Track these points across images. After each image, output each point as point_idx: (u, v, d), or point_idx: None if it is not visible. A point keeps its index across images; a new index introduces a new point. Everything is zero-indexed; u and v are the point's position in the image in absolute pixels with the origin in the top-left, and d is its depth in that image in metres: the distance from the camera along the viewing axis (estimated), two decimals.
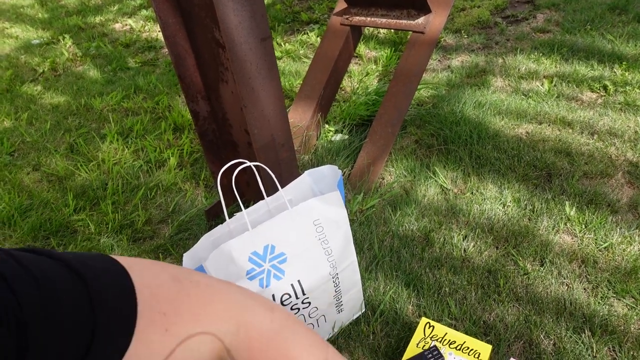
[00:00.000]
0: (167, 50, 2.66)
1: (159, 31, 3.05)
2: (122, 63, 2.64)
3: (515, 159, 1.45)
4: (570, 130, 1.55)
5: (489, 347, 0.91)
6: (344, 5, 1.73)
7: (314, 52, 2.36)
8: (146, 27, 3.13)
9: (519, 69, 1.96)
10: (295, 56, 2.49)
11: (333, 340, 1.02)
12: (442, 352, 0.91)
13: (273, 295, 0.89)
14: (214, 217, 1.36)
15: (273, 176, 0.90)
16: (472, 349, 0.91)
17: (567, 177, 1.36)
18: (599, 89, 1.73)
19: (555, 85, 1.80)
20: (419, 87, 1.93)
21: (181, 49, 1.17)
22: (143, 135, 1.90)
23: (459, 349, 0.91)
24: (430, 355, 0.90)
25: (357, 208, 1.35)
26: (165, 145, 1.82)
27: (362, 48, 2.39)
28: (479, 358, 0.89)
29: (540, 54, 2.03)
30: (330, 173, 0.98)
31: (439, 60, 2.23)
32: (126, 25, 3.25)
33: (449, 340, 0.93)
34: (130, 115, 2.08)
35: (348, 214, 1.27)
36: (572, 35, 2.13)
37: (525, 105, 1.71)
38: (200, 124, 1.28)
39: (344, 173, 1.51)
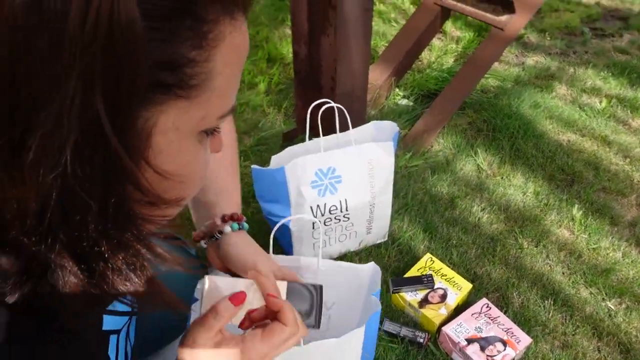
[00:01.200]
0: None
1: None
2: None
3: (549, 160, 1.67)
4: (607, 149, 1.74)
5: (470, 285, 1.21)
6: None
7: (404, 19, 2.56)
8: None
9: (584, 82, 2.11)
10: (386, 18, 2.69)
11: (357, 252, 1.34)
12: (434, 279, 1.21)
13: (325, 204, 1.21)
14: (288, 140, 1.68)
15: (348, 118, 1.19)
16: (457, 283, 1.21)
17: (587, 187, 1.58)
18: None
19: (611, 106, 1.96)
20: (487, 76, 2.12)
21: (299, 0, 1.44)
22: None
23: (447, 280, 1.21)
24: (424, 279, 1.20)
25: (404, 164, 1.63)
26: (258, 71, 2.13)
27: (449, 25, 2.56)
28: (460, 290, 1.19)
29: (610, 73, 2.16)
30: (389, 127, 1.26)
31: (515, 55, 2.39)
32: None
33: (442, 273, 1.23)
34: None
35: (395, 164, 1.56)
36: None
37: (577, 117, 1.89)
38: (298, 63, 1.57)
39: (401, 133, 1.78)
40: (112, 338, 0.51)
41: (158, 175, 0.33)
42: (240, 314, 0.57)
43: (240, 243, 0.71)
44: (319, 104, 1.19)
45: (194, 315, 0.69)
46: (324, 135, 1.23)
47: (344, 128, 1.23)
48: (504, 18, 1.76)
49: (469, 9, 1.85)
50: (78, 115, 0.27)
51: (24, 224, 0.30)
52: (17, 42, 0.24)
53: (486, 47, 1.79)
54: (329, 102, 1.17)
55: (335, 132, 1.23)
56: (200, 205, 0.75)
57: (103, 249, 0.33)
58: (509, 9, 1.75)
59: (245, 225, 0.73)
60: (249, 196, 1.42)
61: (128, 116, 0.29)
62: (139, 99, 0.29)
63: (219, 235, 0.71)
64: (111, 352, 0.50)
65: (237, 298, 0.53)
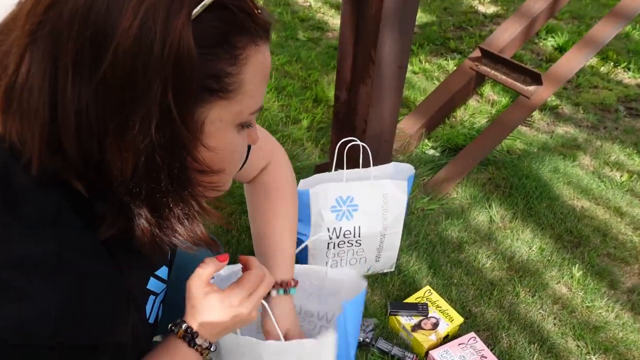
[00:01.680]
0: (330, 34, 3.22)
1: (330, 15, 3.61)
2: (294, 33, 3.25)
3: (559, 222, 1.78)
4: (619, 219, 1.83)
5: (462, 319, 1.33)
6: (479, 54, 2.13)
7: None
8: (322, 9, 3.71)
9: (609, 156, 2.21)
10: (429, 76, 2.91)
11: (365, 277, 1.49)
12: (429, 309, 1.34)
13: (341, 227, 1.38)
14: (320, 171, 1.88)
15: (370, 156, 1.38)
16: (450, 315, 1.33)
17: (592, 250, 1.67)
18: None
19: (632, 181, 2.05)
20: (515, 138, 2.27)
21: (346, 54, 1.67)
22: (291, 96, 2.47)
23: (441, 312, 1.34)
24: (420, 307, 1.34)
25: (421, 206, 1.79)
26: (304, 109, 2.38)
27: (487, 89, 2.74)
28: (452, 322, 1.32)
29: (636, 151, 2.25)
30: (407, 169, 1.44)
31: (547, 124, 2.53)
32: (307, 2, 3.87)
33: (437, 305, 1.36)
34: (287, 77, 2.67)
35: (408, 203, 1.71)
36: None
37: (594, 186, 2.00)
38: (338, 106, 1.79)
39: (424, 180, 1.95)
40: (151, 298, 0.68)
41: (208, 151, 0.49)
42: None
43: (280, 307, 0.85)
44: (347, 140, 1.39)
45: None
46: (348, 168, 1.42)
47: (366, 165, 1.42)
48: (531, 88, 1.93)
49: (500, 76, 2.03)
50: (158, 107, 0.42)
51: (122, 179, 0.46)
52: (126, 62, 0.42)
53: (512, 112, 1.95)
54: (355, 140, 1.37)
55: (359, 167, 1.42)
56: (262, 254, 0.89)
57: (169, 200, 0.50)
58: (537, 80, 1.91)
59: (293, 290, 0.87)
60: None
61: (188, 109, 0.45)
62: (195, 99, 0.45)
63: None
64: (147, 309, 0.67)
65: (222, 256, 0.67)
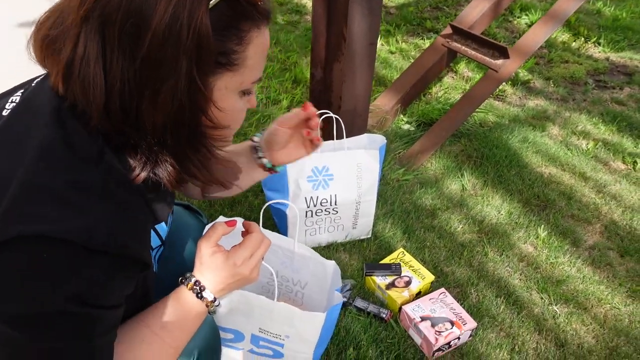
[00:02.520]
0: (308, 17, 3.26)
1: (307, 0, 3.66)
2: (273, 17, 3.29)
3: (527, 187, 1.88)
4: (583, 183, 1.94)
5: (433, 277, 1.42)
6: (450, 31, 2.20)
7: None
8: None
9: (576, 126, 2.32)
10: (406, 55, 2.99)
11: (343, 244, 1.58)
12: (402, 269, 1.44)
13: (318, 196, 1.46)
14: None
15: (343, 128, 1.46)
16: (421, 274, 1.43)
17: (557, 213, 1.78)
18: (630, 163, 2.07)
19: (597, 148, 2.16)
20: (487, 111, 2.36)
21: (319, 32, 1.74)
22: (271, 78, 2.53)
23: (414, 271, 1.43)
24: (393, 267, 1.43)
25: (396, 177, 1.87)
26: (284, 90, 2.44)
27: (462, 66, 2.83)
28: (424, 280, 1.41)
29: (602, 120, 2.36)
30: (379, 140, 1.52)
31: (519, 97, 2.62)
32: None
33: (410, 265, 1.45)
34: (267, 60, 2.72)
35: (383, 174, 1.80)
36: None
37: (561, 154, 2.10)
38: (313, 83, 1.86)
39: (399, 153, 2.03)
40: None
41: (218, 111, 0.61)
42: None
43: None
44: (321, 113, 1.46)
45: None
46: (323, 140, 1.49)
47: (340, 137, 1.50)
48: (499, 62, 2.02)
49: (470, 52, 2.11)
50: (185, 77, 0.54)
51: (153, 133, 0.57)
52: (160, 44, 0.52)
53: (481, 85, 2.04)
54: (329, 113, 1.44)
55: (333, 139, 1.50)
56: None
57: (188, 150, 0.61)
58: (504, 54, 2.00)
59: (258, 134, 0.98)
60: (258, 190, 1.69)
61: (206, 78, 0.57)
62: (209, 70, 0.57)
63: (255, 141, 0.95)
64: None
65: (231, 222, 0.78)
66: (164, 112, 0.55)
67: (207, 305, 0.72)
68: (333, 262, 1.11)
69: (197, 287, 0.72)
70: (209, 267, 0.73)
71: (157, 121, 0.56)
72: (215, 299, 0.73)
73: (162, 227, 0.78)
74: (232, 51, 0.58)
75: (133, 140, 0.59)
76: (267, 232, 1.08)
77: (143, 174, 0.60)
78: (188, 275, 0.74)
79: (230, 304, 0.99)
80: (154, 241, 0.76)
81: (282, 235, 1.17)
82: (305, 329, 0.99)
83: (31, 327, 0.53)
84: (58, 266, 0.51)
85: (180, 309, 0.71)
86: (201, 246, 0.74)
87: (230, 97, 0.62)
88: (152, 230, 0.75)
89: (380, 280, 1.41)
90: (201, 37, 0.52)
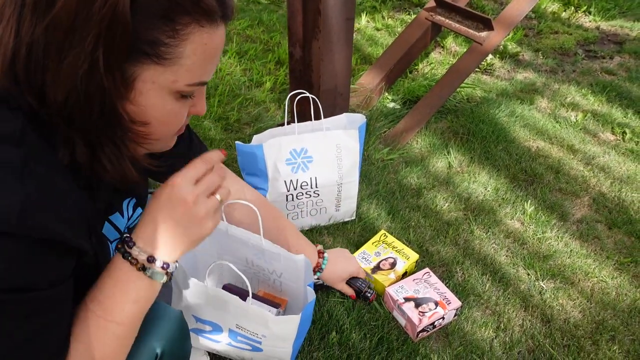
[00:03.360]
0: None
1: None
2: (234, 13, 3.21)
3: (514, 162, 1.85)
4: (572, 156, 1.91)
5: (417, 255, 1.40)
6: (434, 4, 2.14)
7: None
8: None
9: (565, 97, 2.27)
10: (392, 32, 2.92)
11: (327, 227, 1.55)
12: (385, 251, 1.41)
13: (298, 180, 1.43)
14: None
15: (320, 108, 1.41)
16: (405, 254, 1.40)
17: (544, 187, 1.75)
18: (619, 134, 2.03)
19: (586, 119, 2.12)
20: (474, 86, 2.31)
21: (295, 9, 1.68)
22: (253, 60, 2.47)
23: (397, 252, 1.41)
24: (363, 285, 1.35)
25: (380, 157, 1.84)
26: (267, 71, 2.38)
27: (449, 41, 2.77)
28: (408, 260, 1.39)
29: (591, 91, 2.31)
30: (359, 119, 1.48)
31: (507, 71, 2.57)
32: None
33: (393, 246, 1.43)
34: (249, 42, 2.66)
35: (367, 154, 1.77)
36: (631, 84, 2.37)
37: (549, 127, 2.06)
38: (293, 63, 1.81)
39: (384, 132, 1.99)
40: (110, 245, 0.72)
41: (132, 105, 0.56)
42: None
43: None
44: (297, 94, 1.42)
45: None
46: (300, 122, 1.45)
47: (318, 117, 1.45)
48: (483, 34, 1.96)
49: (454, 25, 2.05)
50: (89, 56, 0.50)
51: (56, 107, 0.52)
52: (70, 12, 0.48)
53: (465, 59, 1.99)
54: (304, 93, 1.40)
55: (311, 120, 1.46)
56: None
57: (101, 137, 0.56)
58: (488, 26, 1.94)
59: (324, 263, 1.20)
60: (237, 173, 1.65)
61: (118, 64, 0.52)
62: (126, 57, 0.52)
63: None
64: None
65: (217, 153, 0.68)
66: (65, 87, 0.51)
67: (142, 267, 0.61)
68: (302, 256, 1.05)
69: (124, 246, 0.62)
70: (157, 211, 0.62)
71: (58, 96, 0.52)
72: (151, 258, 0.61)
73: (118, 219, 0.74)
74: (162, 43, 0.53)
75: (45, 116, 0.54)
76: (233, 228, 1.03)
77: (65, 158, 0.56)
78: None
79: (206, 297, 0.96)
80: (111, 234, 0.72)
81: (248, 232, 1.10)
82: (280, 329, 0.97)
83: None
84: None
85: (107, 274, 0.63)
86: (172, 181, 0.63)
87: (157, 94, 0.57)
88: (106, 222, 0.71)
89: (365, 265, 1.39)
90: (117, 15, 0.49)
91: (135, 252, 0.61)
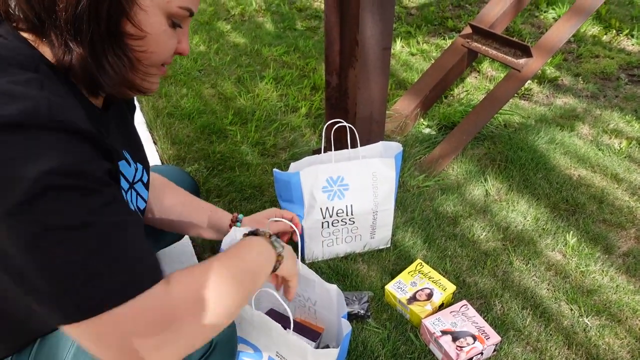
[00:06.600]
0: None
1: None
2: (292, 24, 3.29)
3: (555, 191, 1.80)
4: (616, 186, 1.84)
5: (454, 287, 1.37)
6: (470, 31, 2.14)
7: None
8: None
9: (608, 124, 2.21)
10: (427, 57, 2.92)
11: (362, 254, 1.54)
12: (421, 281, 1.39)
13: (333, 207, 1.43)
14: None
15: (357, 136, 1.42)
16: (442, 285, 1.38)
17: (587, 217, 1.69)
18: None
19: (630, 147, 2.05)
20: (512, 112, 2.28)
21: (333, 38, 1.71)
22: (289, 85, 2.52)
23: (434, 282, 1.39)
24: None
25: (416, 184, 1.82)
26: (302, 97, 2.42)
27: (485, 65, 2.75)
28: (445, 291, 1.36)
29: (634, 117, 2.24)
30: (395, 147, 1.48)
31: (546, 96, 2.52)
32: None
33: (430, 276, 1.40)
34: (285, 67, 2.71)
35: (402, 181, 1.76)
36: None
37: (592, 154, 2.00)
38: (329, 91, 1.83)
39: (419, 158, 1.98)
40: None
41: (137, 21, 0.62)
42: None
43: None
44: (334, 123, 1.43)
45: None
46: (336, 150, 1.47)
47: (355, 145, 1.46)
48: (522, 61, 1.94)
49: (491, 51, 2.04)
50: None
51: (66, 17, 0.58)
52: None
53: (503, 86, 1.96)
54: (341, 122, 1.41)
55: (347, 148, 1.47)
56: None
57: (104, 47, 0.62)
58: (527, 53, 1.92)
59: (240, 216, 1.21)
60: (274, 200, 1.67)
61: None
62: None
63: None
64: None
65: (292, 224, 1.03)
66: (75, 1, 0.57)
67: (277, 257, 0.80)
68: (335, 286, 1.07)
69: (272, 238, 0.81)
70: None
71: (69, 5, 0.57)
72: (281, 253, 0.81)
73: (126, 167, 0.79)
74: None
75: (49, 28, 0.59)
76: None
77: (62, 58, 0.61)
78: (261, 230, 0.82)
79: (252, 321, 0.98)
80: (122, 183, 0.77)
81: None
82: None
83: (29, 214, 0.49)
84: (17, 149, 0.49)
85: (248, 248, 0.76)
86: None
87: (155, 12, 0.63)
88: (118, 169, 0.74)
89: (400, 295, 1.37)
90: None
91: (277, 243, 0.81)
